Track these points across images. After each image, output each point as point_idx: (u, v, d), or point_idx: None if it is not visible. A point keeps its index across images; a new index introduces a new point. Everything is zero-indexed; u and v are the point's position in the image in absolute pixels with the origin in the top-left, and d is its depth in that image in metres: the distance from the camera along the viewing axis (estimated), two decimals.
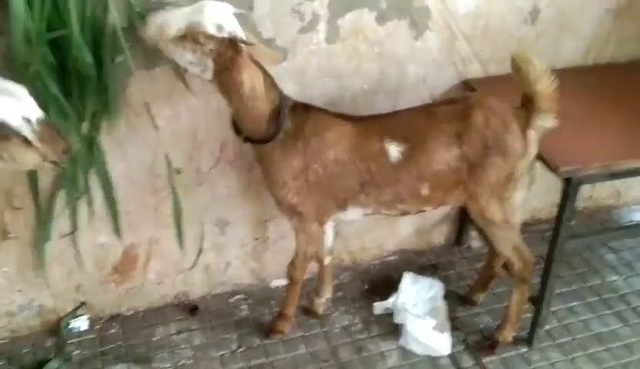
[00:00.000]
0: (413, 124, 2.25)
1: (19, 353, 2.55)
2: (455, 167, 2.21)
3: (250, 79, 2.03)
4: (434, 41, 2.60)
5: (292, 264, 2.43)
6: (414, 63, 2.62)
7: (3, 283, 2.52)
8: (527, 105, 2.20)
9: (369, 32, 2.49)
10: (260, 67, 2.08)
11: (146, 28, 2.03)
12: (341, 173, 2.20)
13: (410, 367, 2.51)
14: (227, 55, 1.97)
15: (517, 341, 2.59)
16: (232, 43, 1.95)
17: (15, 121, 1.76)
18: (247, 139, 2.21)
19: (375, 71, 2.58)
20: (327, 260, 2.63)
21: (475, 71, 2.72)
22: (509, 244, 2.37)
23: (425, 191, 2.23)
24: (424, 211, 2.43)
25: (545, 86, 2.13)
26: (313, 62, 2.48)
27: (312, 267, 2.64)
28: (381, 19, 2.48)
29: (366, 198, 2.26)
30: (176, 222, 2.41)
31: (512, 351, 2.57)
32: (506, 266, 2.50)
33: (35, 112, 1.82)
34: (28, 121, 1.80)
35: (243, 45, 1.97)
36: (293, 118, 2.17)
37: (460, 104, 2.25)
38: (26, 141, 1.80)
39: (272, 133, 2.14)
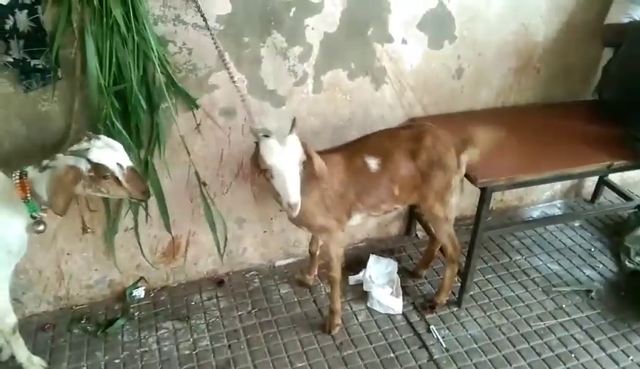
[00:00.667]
0: (382, 143, 2.24)
1: (95, 314, 2.53)
2: (413, 175, 2.21)
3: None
4: (388, 91, 2.62)
5: (330, 269, 2.31)
6: (375, 107, 2.63)
7: (83, 264, 2.51)
8: (465, 141, 2.26)
9: (343, 85, 2.51)
10: None
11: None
12: (344, 190, 2.17)
13: (375, 322, 2.51)
14: None
15: (449, 303, 2.60)
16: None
17: (112, 166, 1.81)
18: None
19: (347, 112, 2.59)
20: (317, 251, 2.63)
21: (417, 111, 2.74)
22: (446, 233, 2.39)
23: (397, 191, 2.22)
24: (396, 209, 2.41)
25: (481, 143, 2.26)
26: (303, 106, 2.49)
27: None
28: (352, 76, 2.50)
29: (361, 205, 2.23)
30: (208, 220, 2.41)
31: (446, 310, 2.58)
32: (442, 250, 2.53)
33: (126, 161, 1.87)
34: (121, 166, 1.84)
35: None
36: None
37: (415, 130, 2.27)
38: (118, 181, 1.84)
39: None
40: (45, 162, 1.86)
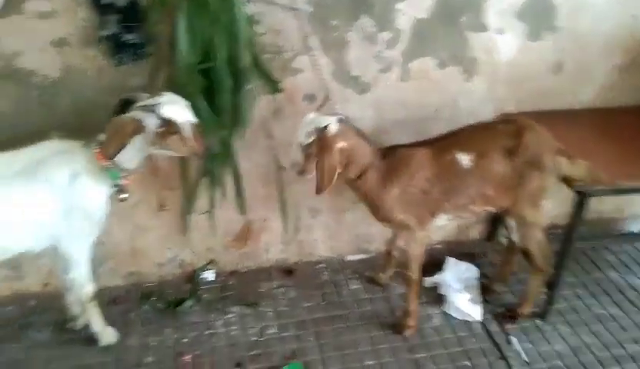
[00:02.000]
0: (476, 137, 2.20)
1: (165, 293, 2.67)
2: (508, 174, 2.16)
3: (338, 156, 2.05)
4: (479, 83, 2.60)
5: (409, 268, 2.31)
6: (464, 99, 2.62)
7: (157, 242, 2.65)
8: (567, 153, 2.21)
9: (431, 74, 2.52)
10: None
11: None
12: (429, 188, 2.17)
13: (450, 327, 2.50)
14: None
15: (533, 315, 2.54)
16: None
17: (181, 122, 1.89)
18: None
19: (434, 103, 2.59)
20: (394, 250, 2.64)
21: (509, 107, 2.68)
22: (535, 240, 2.31)
23: (490, 192, 2.18)
24: (485, 212, 2.35)
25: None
26: (388, 94, 2.51)
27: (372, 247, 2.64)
28: (441, 65, 2.51)
29: (448, 205, 2.21)
30: (281, 207, 2.49)
31: (529, 322, 2.52)
32: (526, 257, 2.42)
33: (191, 117, 1.96)
34: (187, 123, 1.92)
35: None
36: (383, 159, 2.16)
37: (514, 125, 2.20)
38: (182, 138, 1.93)
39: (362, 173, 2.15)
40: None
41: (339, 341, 2.40)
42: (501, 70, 2.58)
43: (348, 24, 2.32)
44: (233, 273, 2.80)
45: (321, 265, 2.86)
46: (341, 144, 2.04)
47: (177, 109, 1.96)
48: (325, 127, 2.03)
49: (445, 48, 2.47)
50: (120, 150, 1.93)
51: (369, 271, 2.79)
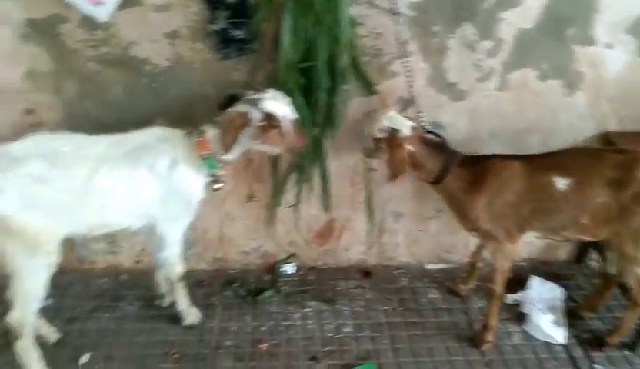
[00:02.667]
0: (579, 162, 2.17)
1: (247, 281, 2.81)
2: (610, 206, 2.11)
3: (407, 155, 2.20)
4: (582, 98, 2.55)
5: (492, 281, 2.32)
6: (563, 113, 2.57)
7: (243, 231, 2.80)
8: None
9: (531, 86, 2.50)
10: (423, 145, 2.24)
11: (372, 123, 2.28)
12: (517, 202, 2.17)
13: (530, 347, 2.47)
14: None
15: (622, 345, 2.46)
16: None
17: (282, 117, 2.03)
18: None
19: (532, 115, 2.57)
20: (478, 262, 2.64)
21: (612, 125, 2.61)
22: (634, 275, 2.24)
23: (584, 220, 2.14)
24: (579, 240, 2.30)
25: None
26: (484, 103, 2.52)
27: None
28: (542, 77, 2.49)
29: (537, 223, 2.20)
30: (367, 209, 2.57)
31: (616, 352, 2.44)
32: (626, 290, 2.37)
33: (292, 113, 2.08)
34: (288, 118, 2.05)
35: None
36: (471, 167, 2.21)
37: (627, 156, 2.13)
38: (282, 133, 2.05)
39: (437, 179, 2.24)
40: (218, 119, 2.14)
41: (414, 348, 2.44)
42: (606, 86, 2.52)
43: (449, 31, 2.36)
44: (312, 268, 2.90)
45: (400, 270, 2.90)
46: (408, 149, 2.19)
47: (279, 104, 2.09)
48: (397, 130, 2.18)
49: (548, 59, 2.45)
50: (235, 142, 2.08)
51: (449, 282, 2.81)
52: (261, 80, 2.30)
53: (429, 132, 2.32)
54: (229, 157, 2.18)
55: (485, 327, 2.42)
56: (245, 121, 2.06)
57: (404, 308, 2.66)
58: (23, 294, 2.05)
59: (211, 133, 2.14)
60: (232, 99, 2.15)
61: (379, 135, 2.23)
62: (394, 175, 2.21)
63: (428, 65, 2.43)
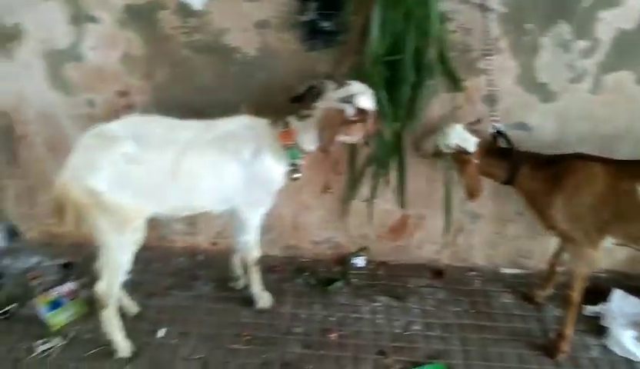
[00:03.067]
0: None
1: (317, 270, 2.91)
2: None
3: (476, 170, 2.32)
4: None
5: (570, 288, 2.30)
6: None
7: (317, 221, 2.88)
8: None
9: (627, 90, 2.43)
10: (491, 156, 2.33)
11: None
12: (597, 205, 2.14)
13: (609, 362, 2.42)
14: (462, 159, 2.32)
15: None
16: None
17: (371, 111, 2.13)
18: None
19: (624, 121, 2.50)
20: (557, 267, 2.62)
21: None
22: None
23: None
24: None
25: None
26: (574, 106, 2.48)
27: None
28: None
29: (617, 229, 2.17)
30: (445, 207, 2.59)
31: None
32: None
33: (372, 105, 2.16)
34: (373, 112, 2.14)
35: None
36: (548, 167, 2.23)
37: None
38: (365, 125, 2.14)
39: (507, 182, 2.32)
40: (305, 112, 2.20)
41: (485, 352, 2.44)
42: None
43: (543, 29, 2.33)
44: (383, 263, 2.95)
45: (473, 273, 2.90)
46: (475, 162, 2.31)
47: (368, 99, 2.15)
48: (464, 149, 2.30)
49: None
50: (334, 139, 2.16)
51: (524, 287, 2.78)
52: (345, 72, 2.34)
53: (499, 133, 2.36)
54: (310, 148, 2.25)
55: (560, 336, 2.40)
56: (344, 118, 2.11)
57: (476, 311, 2.66)
58: (110, 267, 2.19)
59: (295, 124, 2.21)
60: (310, 89, 2.22)
61: (444, 149, 2.35)
62: (472, 195, 2.36)
63: (517, 63, 2.40)
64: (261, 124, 2.25)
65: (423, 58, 2.29)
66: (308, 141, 2.23)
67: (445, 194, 2.58)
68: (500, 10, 2.30)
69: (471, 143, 2.29)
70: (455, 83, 2.40)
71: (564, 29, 2.33)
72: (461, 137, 2.30)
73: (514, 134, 2.41)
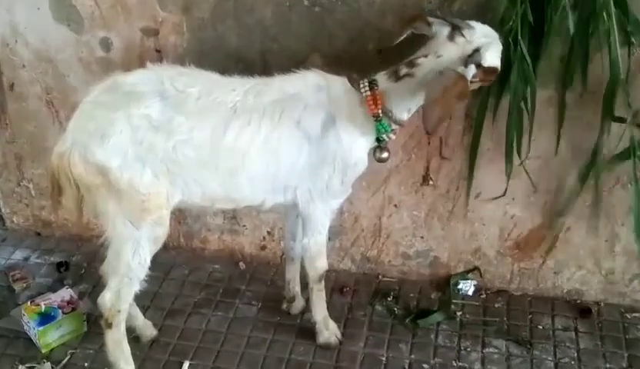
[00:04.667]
0: None
1: (406, 295, 2.68)
2: None
3: None
4: None
5: None
6: None
7: (409, 224, 2.66)
8: None
9: None
10: None
11: None
12: None
13: None
14: None
15: None
16: None
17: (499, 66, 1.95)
18: None
19: None
20: None
21: None
22: None
23: None
24: None
25: None
26: None
27: None
28: None
29: None
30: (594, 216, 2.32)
31: None
32: None
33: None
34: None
35: None
36: None
37: None
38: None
39: None
40: (404, 70, 1.96)
41: None
42: None
43: None
44: (502, 292, 2.70)
45: (636, 314, 2.57)
46: None
47: (497, 51, 1.96)
48: None
49: None
50: (446, 118, 2.07)
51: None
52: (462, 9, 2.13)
53: None
54: (405, 118, 2.08)
55: None
56: (464, 88, 1.89)
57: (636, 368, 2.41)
58: (120, 272, 2.09)
59: (385, 85, 2.02)
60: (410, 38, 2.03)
61: None
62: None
63: None
64: (337, 83, 2.10)
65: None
66: (405, 109, 2.07)
67: (594, 200, 2.27)
68: None
69: None
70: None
71: None
72: None
73: None
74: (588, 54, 2.07)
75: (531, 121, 2.21)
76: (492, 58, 1.92)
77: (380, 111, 2.03)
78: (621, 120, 2.13)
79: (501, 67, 2.00)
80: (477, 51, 1.90)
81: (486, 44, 1.92)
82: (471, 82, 1.91)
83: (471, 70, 1.90)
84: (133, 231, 2.03)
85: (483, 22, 1.98)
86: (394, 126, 2.09)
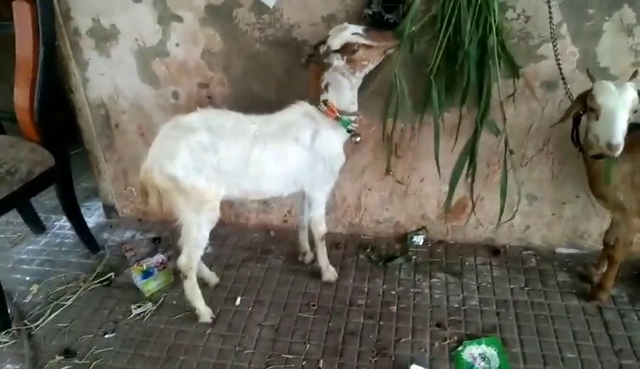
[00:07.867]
0: None
1: (378, 247, 2.85)
2: None
3: None
4: None
5: (614, 248, 2.27)
6: None
7: (378, 201, 2.81)
8: None
9: None
10: None
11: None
12: None
13: None
14: None
15: None
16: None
17: (351, 38, 2.04)
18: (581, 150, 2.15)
19: None
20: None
21: None
22: None
23: None
24: None
25: None
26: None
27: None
28: None
29: None
30: (502, 188, 2.40)
31: None
32: None
33: (359, 29, 2.06)
34: (359, 34, 2.04)
35: None
36: None
37: None
38: (367, 46, 2.04)
39: None
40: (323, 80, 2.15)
41: (539, 328, 2.33)
42: None
43: (605, 14, 2.15)
44: (441, 242, 2.85)
45: (528, 252, 2.77)
46: None
47: (340, 34, 2.05)
48: None
49: None
50: (320, 86, 2.16)
51: (580, 267, 2.64)
52: (398, 59, 2.20)
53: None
54: (354, 107, 2.21)
55: (601, 287, 2.39)
56: (322, 66, 2.08)
57: (531, 288, 2.53)
58: (189, 243, 2.24)
59: (327, 96, 2.17)
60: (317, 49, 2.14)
61: None
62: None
63: (577, 48, 2.24)
64: (311, 108, 2.23)
65: (484, 45, 2.13)
66: (349, 103, 2.20)
67: (502, 177, 2.40)
68: None
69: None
70: (512, 70, 2.24)
71: (627, 14, 2.14)
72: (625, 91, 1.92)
73: None
74: (483, 85, 2.17)
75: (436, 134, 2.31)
76: (336, 40, 2.04)
77: (337, 115, 2.17)
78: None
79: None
80: (327, 45, 2.06)
81: (332, 37, 2.06)
82: (351, 56, 2.03)
83: (331, 57, 2.05)
84: (196, 216, 2.17)
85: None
86: (352, 118, 2.20)
